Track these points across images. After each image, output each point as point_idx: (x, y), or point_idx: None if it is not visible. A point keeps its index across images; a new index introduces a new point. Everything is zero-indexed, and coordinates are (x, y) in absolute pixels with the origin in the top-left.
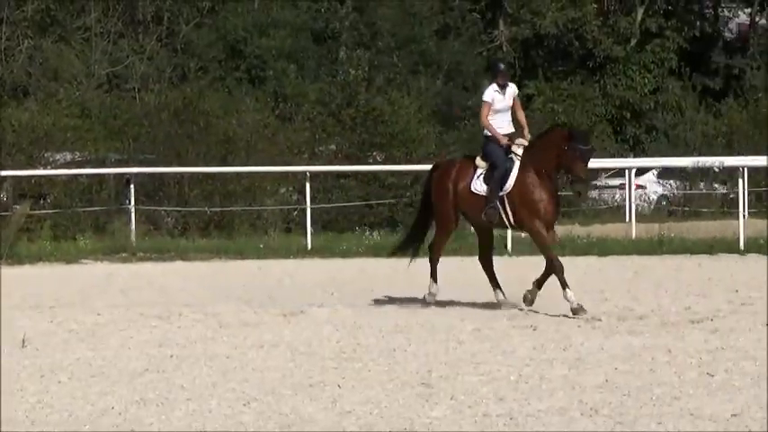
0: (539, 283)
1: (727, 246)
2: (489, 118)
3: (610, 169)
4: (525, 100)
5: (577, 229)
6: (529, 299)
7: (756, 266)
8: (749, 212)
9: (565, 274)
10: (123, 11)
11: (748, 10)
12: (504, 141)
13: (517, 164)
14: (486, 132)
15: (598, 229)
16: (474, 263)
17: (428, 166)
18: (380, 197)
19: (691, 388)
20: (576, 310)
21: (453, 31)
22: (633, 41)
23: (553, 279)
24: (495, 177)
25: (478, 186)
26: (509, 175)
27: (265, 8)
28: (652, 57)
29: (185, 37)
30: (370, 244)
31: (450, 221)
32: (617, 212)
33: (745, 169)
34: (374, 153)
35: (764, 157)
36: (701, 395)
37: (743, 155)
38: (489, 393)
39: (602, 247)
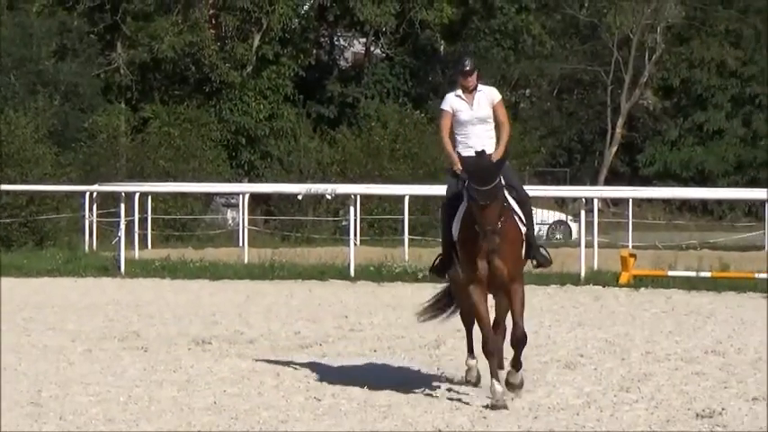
0: (515, 363)
1: (337, 272)
2: (456, 132)
3: (225, 194)
4: (141, 123)
5: (190, 253)
6: (517, 383)
7: (365, 293)
8: (360, 240)
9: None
10: None
11: (363, 40)
12: (457, 166)
13: (465, 200)
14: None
15: (211, 253)
16: None
17: (44, 187)
18: None
19: (298, 411)
20: (496, 406)
21: (71, 52)
22: (249, 68)
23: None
24: (441, 218)
25: None
26: (454, 215)
27: None
28: (268, 83)
29: None
30: None
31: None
32: (230, 237)
33: (358, 197)
34: None
35: (377, 186)
36: (308, 419)
37: (355, 182)
38: (99, 414)
39: (215, 271)
